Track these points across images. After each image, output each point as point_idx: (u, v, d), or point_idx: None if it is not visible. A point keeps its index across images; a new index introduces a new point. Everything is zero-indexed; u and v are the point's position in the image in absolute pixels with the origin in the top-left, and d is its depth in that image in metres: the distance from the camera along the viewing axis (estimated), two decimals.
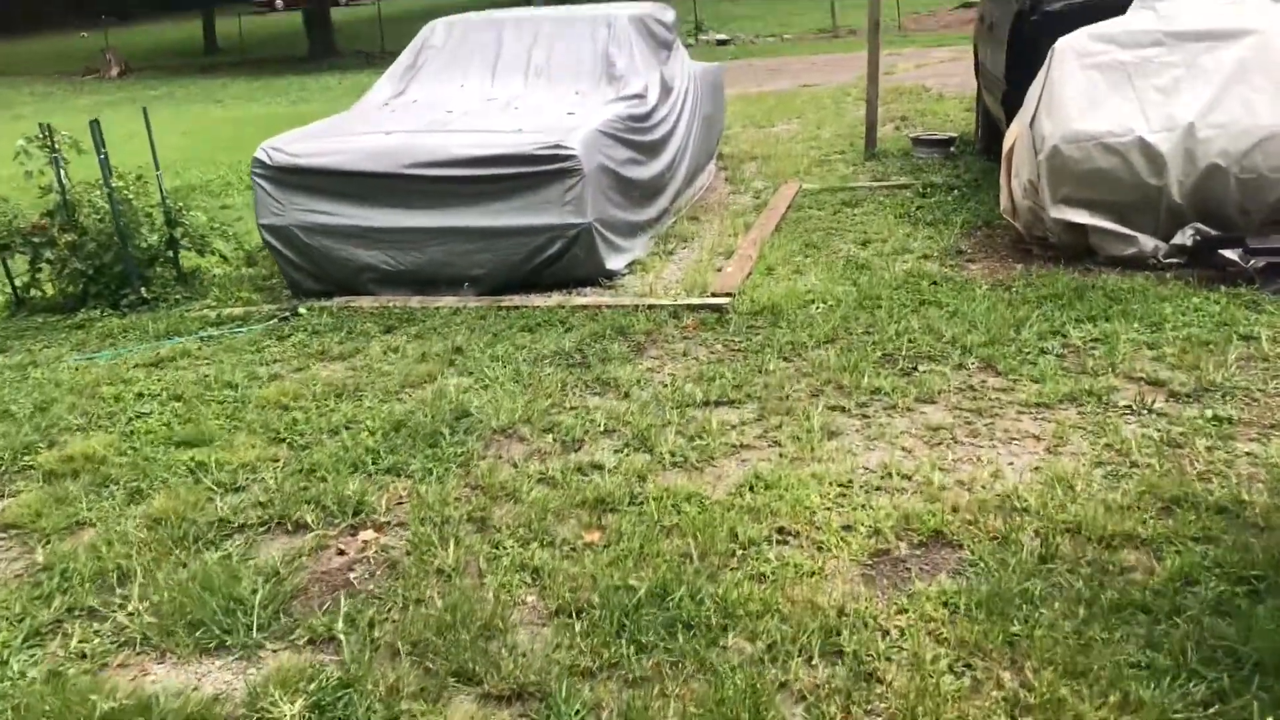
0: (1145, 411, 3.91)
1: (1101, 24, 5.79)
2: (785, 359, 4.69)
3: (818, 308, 5.33)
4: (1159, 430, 3.76)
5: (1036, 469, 3.55)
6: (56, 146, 6.17)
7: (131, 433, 4.37)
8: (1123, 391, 4.10)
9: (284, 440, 4.18)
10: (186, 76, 26.34)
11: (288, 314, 5.81)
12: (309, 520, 3.53)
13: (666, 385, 4.46)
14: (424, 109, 6.78)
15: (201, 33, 32.89)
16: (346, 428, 4.25)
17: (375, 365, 4.98)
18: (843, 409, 4.11)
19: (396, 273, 6.02)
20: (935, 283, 5.59)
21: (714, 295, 5.63)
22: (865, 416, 4.04)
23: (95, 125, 6.38)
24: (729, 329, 5.14)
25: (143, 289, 6.31)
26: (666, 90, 7.59)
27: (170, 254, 6.60)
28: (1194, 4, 5.83)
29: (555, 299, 5.79)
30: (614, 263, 6.12)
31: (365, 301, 5.95)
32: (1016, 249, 6.10)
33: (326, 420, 4.32)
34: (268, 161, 6.02)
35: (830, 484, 3.51)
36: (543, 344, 5.07)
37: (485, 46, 7.42)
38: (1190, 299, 4.97)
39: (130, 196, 6.46)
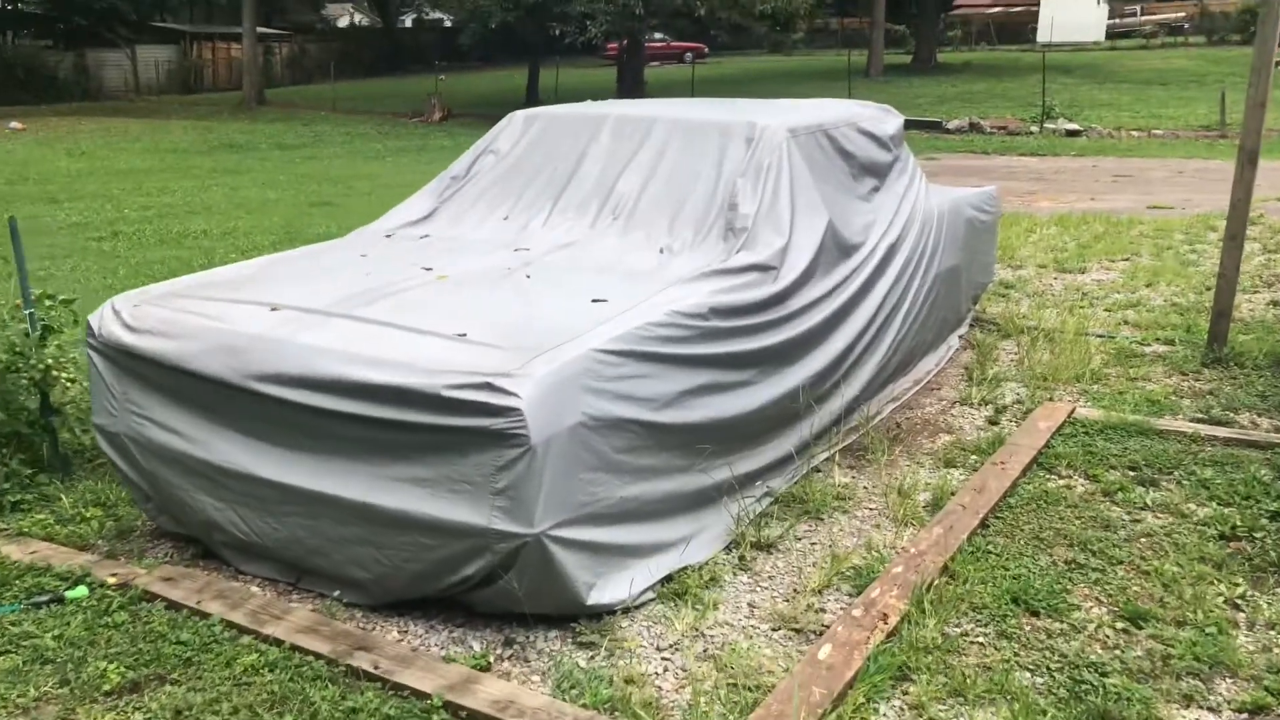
0: None
1: None
2: None
3: None
4: None
5: None
6: None
7: None
8: None
9: None
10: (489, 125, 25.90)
11: (48, 599, 3.47)
12: None
13: None
14: (412, 255, 4.25)
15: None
16: None
17: None
18: None
19: (250, 545, 3.52)
20: None
21: None
22: None
23: (12, 223, 4.55)
24: None
25: None
26: (845, 249, 4.63)
27: (37, 427, 4.53)
28: None
29: (452, 673, 3.00)
30: (608, 591, 3.23)
31: (180, 592, 3.43)
32: None
33: None
34: (97, 331, 3.74)
35: None
36: None
37: (562, 158, 4.80)
38: None
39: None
